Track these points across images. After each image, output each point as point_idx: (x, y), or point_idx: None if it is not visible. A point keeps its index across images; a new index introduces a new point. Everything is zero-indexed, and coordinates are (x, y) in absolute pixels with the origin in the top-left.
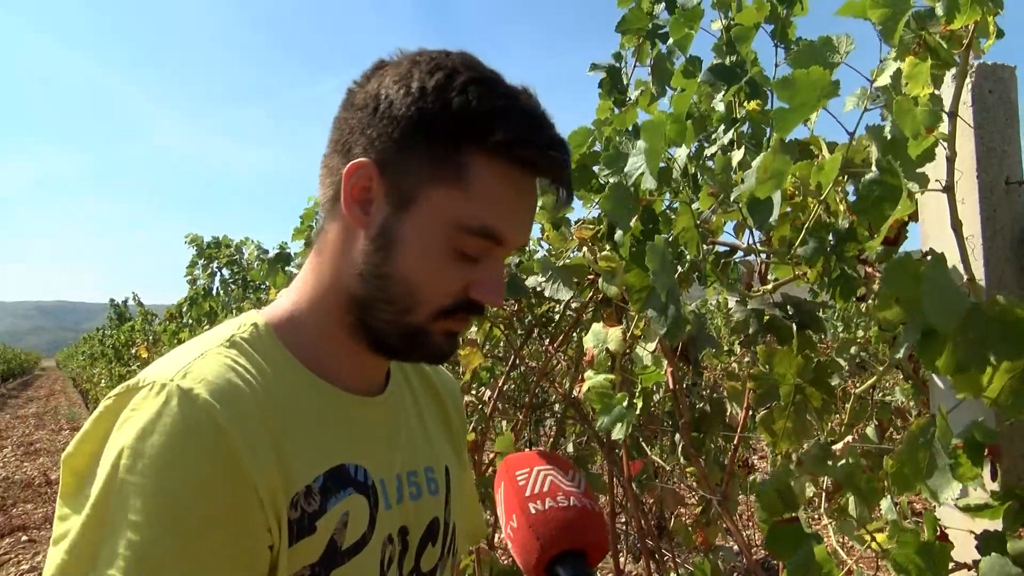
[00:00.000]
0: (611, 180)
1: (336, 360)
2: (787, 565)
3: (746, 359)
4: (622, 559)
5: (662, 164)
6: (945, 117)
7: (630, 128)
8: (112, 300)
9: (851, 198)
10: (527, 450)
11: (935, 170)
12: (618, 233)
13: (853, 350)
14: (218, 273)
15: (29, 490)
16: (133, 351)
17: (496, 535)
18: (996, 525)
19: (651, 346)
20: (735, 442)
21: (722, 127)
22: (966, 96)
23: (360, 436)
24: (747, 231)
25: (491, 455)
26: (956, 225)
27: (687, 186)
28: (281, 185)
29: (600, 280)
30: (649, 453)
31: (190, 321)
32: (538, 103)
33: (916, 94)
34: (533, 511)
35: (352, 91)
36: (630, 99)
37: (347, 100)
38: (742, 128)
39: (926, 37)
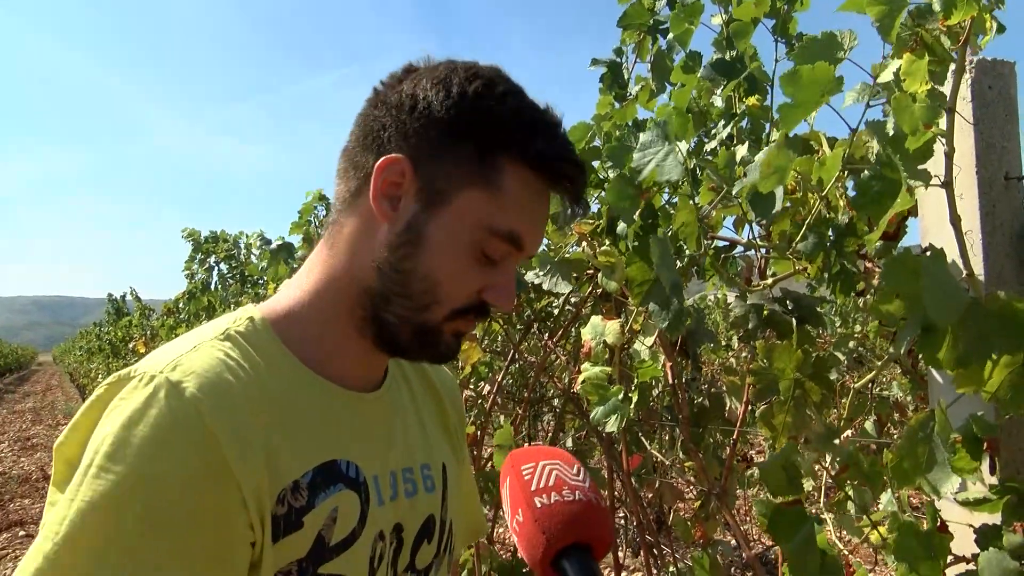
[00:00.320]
0: (613, 173)
1: (335, 355)
2: (787, 549)
3: (744, 354)
4: (621, 553)
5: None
6: (944, 113)
7: (630, 123)
8: (110, 295)
9: (851, 194)
10: (532, 445)
11: (934, 166)
12: (620, 226)
13: (851, 345)
14: (216, 268)
15: (26, 485)
16: (130, 346)
17: (496, 530)
18: (995, 519)
19: (649, 340)
20: (734, 437)
21: (722, 122)
22: (965, 92)
23: (354, 432)
24: (747, 226)
25: (489, 449)
26: (955, 220)
27: (687, 181)
28: (279, 181)
29: (599, 275)
30: (648, 448)
31: (188, 316)
32: (559, 118)
33: (914, 90)
34: (539, 505)
35: (381, 91)
36: (630, 94)
37: (376, 99)
38: (741, 123)
39: (923, 34)
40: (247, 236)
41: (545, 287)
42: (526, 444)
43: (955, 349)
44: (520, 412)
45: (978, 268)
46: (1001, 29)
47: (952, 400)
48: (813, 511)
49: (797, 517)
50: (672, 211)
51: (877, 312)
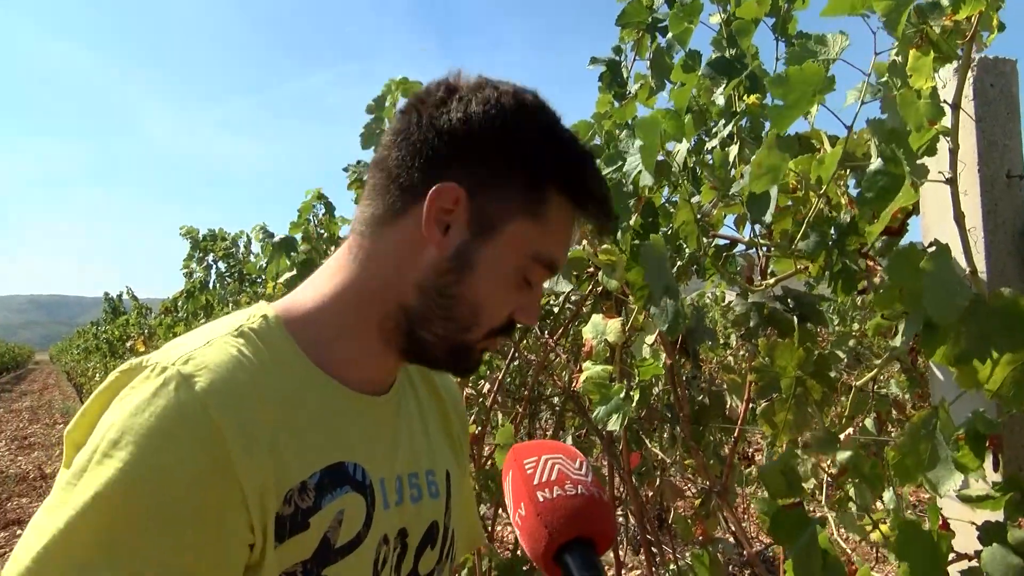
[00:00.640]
0: (611, 178)
1: (348, 358)
2: (790, 551)
3: (742, 352)
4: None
5: (661, 158)
6: (948, 110)
7: (630, 122)
8: (107, 294)
9: (852, 192)
10: (534, 440)
11: (937, 163)
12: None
13: (851, 343)
14: (214, 266)
15: (24, 484)
16: (128, 345)
17: (496, 527)
18: (997, 516)
19: (650, 339)
20: (735, 435)
21: (722, 121)
22: (967, 90)
23: (362, 435)
24: (748, 224)
25: (489, 448)
26: (959, 218)
27: (686, 180)
28: (277, 179)
29: (600, 273)
30: (649, 445)
31: (186, 315)
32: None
33: (919, 87)
34: (541, 499)
35: (423, 110)
36: (630, 92)
37: (421, 119)
38: (741, 122)
39: (928, 30)
40: (247, 234)
41: (546, 286)
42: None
43: (957, 346)
44: (520, 410)
45: (980, 266)
46: (1001, 27)
47: (954, 397)
48: (814, 509)
49: (799, 519)
50: (672, 210)
51: (882, 306)
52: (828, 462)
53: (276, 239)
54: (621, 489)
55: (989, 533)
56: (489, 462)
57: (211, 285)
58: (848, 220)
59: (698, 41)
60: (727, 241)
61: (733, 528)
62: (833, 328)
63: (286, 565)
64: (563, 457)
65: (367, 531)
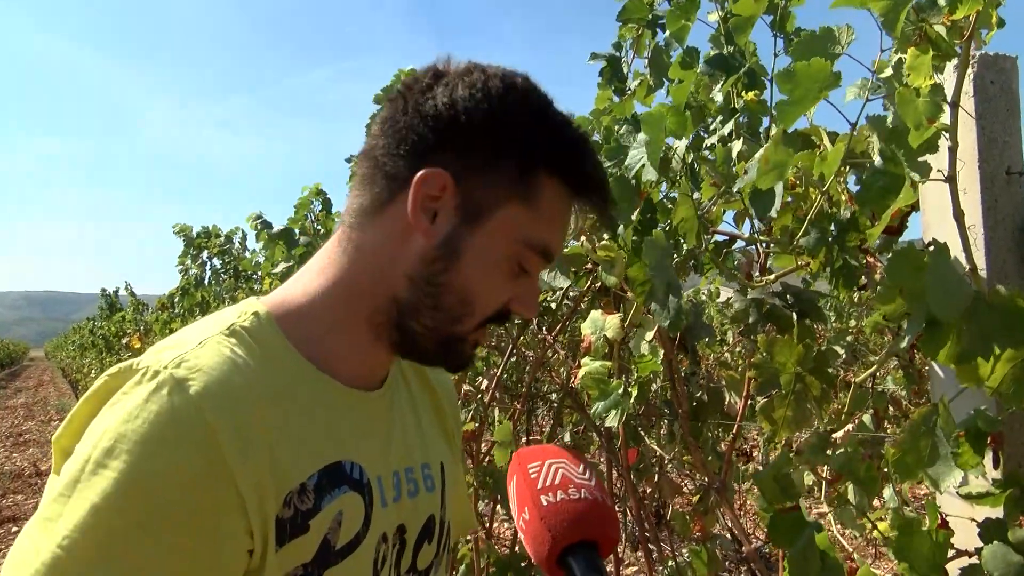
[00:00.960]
0: (613, 172)
1: (342, 354)
2: (788, 554)
3: (738, 348)
4: (620, 548)
5: (661, 154)
6: (947, 107)
7: (630, 117)
8: (103, 290)
9: (852, 188)
10: (531, 440)
11: (937, 160)
12: (620, 227)
13: (848, 339)
14: (209, 263)
15: (19, 481)
16: (124, 342)
17: (494, 524)
18: (997, 513)
19: (649, 335)
20: (734, 431)
21: (720, 118)
22: (967, 86)
23: (358, 432)
24: (747, 220)
25: (487, 444)
26: (958, 215)
27: (685, 176)
28: (274, 175)
29: (599, 269)
30: (647, 442)
31: (182, 311)
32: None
33: (918, 85)
34: (545, 503)
35: (410, 96)
36: (630, 88)
37: (407, 105)
38: (740, 118)
39: (927, 28)
40: (241, 230)
41: (544, 281)
42: (524, 439)
43: (958, 344)
44: (519, 407)
45: (980, 263)
46: (1000, 23)
47: (954, 394)
48: (811, 505)
49: (796, 522)
50: (671, 206)
51: (882, 305)
52: (823, 468)
53: (275, 229)
54: (619, 485)
55: (989, 530)
56: (486, 458)
57: (207, 282)
58: (848, 216)
59: (698, 38)
60: (726, 237)
61: (731, 524)
62: (830, 324)
63: (287, 569)
64: (567, 461)
65: (366, 531)
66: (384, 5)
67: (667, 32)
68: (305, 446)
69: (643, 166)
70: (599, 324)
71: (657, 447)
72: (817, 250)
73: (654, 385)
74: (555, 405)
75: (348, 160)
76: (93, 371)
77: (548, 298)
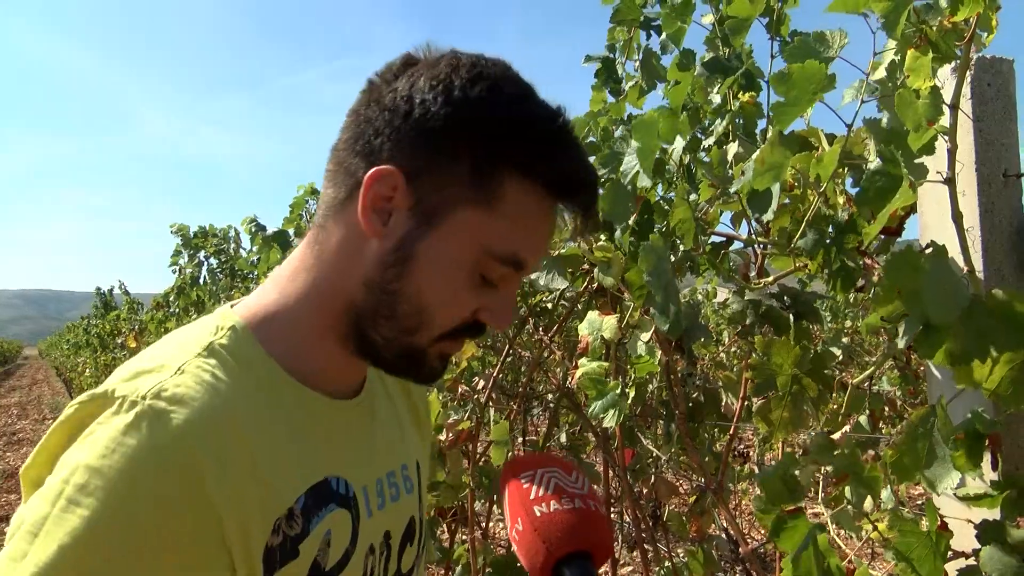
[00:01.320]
0: (608, 178)
1: (320, 363)
2: (790, 556)
3: (733, 348)
4: (616, 548)
5: (657, 156)
6: (946, 110)
7: (625, 118)
8: (98, 288)
9: (850, 190)
10: (526, 447)
11: (934, 162)
12: (617, 232)
13: (844, 341)
14: (205, 262)
15: (12, 480)
16: (119, 340)
17: (490, 524)
18: (994, 514)
19: (646, 336)
20: (730, 432)
21: (718, 120)
22: (965, 89)
23: (342, 444)
24: (744, 221)
25: (484, 445)
26: (957, 217)
27: (682, 178)
28: (269, 174)
29: (596, 270)
30: (643, 442)
31: (177, 310)
32: (571, 124)
33: (918, 87)
34: (538, 514)
35: (376, 86)
36: (624, 90)
37: (370, 96)
38: (736, 120)
39: (927, 30)
40: (235, 228)
41: (540, 283)
42: (520, 439)
43: (955, 346)
44: (515, 407)
45: (977, 265)
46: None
47: (952, 396)
48: (806, 505)
49: (799, 524)
50: (667, 207)
51: (880, 307)
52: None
53: (269, 232)
54: (616, 486)
55: (987, 532)
56: (483, 459)
57: (202, 281)
58: (846, 218)
59: (692, 40)
60: (723, 239)
61: (727, 525)
62: (825, 325)
63: None
64: (559, 470)
65: (354, 547)
66: (381, 3)
67: (662, 35)
68: (291, 467)
69: (637, 172)
70: (596, 325)
71: (654, 448)
72: (815, 252)
73: (651, 385)
74: (551, 405)
75: None
76: (87, 370)
77: (544, 298)
